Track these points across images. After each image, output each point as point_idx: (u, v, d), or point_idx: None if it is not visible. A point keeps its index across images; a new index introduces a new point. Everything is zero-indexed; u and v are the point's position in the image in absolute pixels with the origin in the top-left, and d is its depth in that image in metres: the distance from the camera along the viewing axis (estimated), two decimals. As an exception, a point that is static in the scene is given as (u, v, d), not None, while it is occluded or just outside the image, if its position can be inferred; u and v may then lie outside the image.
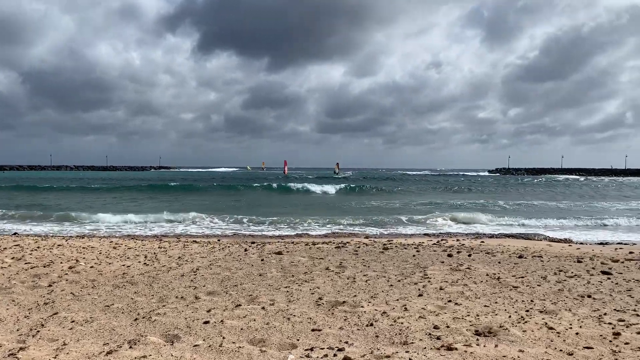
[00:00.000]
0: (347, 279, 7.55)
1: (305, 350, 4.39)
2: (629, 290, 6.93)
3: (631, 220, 20.86)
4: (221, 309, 5.72)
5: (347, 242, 12.29)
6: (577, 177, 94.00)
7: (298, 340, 4.66)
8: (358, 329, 5.00)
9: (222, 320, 5.24)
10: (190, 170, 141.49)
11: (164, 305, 5.93)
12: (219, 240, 13.35)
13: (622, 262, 9.58)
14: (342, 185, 42.66)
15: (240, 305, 5.92)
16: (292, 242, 12.27)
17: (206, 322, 5.18)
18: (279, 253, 10.09)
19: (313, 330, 4.96)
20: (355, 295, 6.42)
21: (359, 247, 11.27)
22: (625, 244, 13.97)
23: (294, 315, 5.46)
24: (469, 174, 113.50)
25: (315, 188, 40.85)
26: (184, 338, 4.71)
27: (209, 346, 4.48)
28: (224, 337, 4.71)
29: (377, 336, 4.79)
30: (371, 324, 5.14)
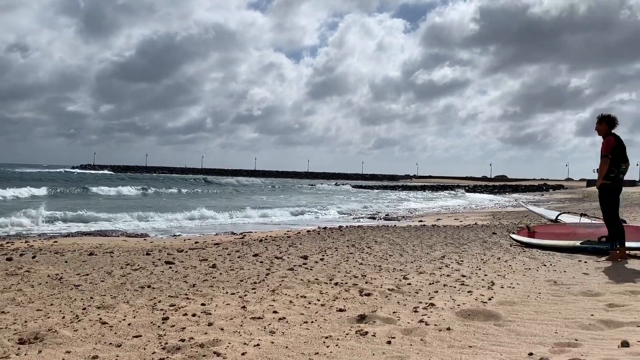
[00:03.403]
0: None
1: None
2: (185, 277, 7.64)
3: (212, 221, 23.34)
4: None
5: None
6: (166, 174, 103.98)
7: None
8: None
9: None
10: None
11: None
12: None
13: (186, 252, 10.56)
14: None
15: None
16: None
17: None
18: None
19: None
20: None
21: None
22: (194, 234, 15.52)
23: None
24: (51, 170, 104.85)
25: None
26: None
27: None
28: None
29: None
30: None
